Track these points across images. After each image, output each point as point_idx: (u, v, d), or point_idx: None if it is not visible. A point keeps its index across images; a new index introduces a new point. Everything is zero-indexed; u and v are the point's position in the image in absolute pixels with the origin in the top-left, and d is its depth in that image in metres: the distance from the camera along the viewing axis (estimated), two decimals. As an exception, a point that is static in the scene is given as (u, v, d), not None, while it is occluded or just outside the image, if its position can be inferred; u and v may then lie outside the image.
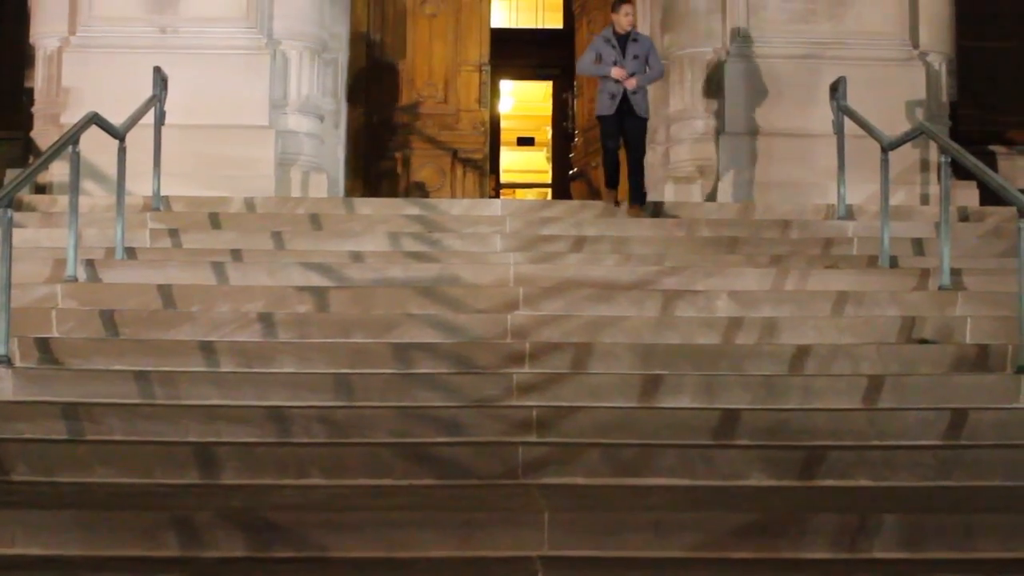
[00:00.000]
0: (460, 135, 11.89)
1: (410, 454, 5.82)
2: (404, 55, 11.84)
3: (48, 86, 10.36)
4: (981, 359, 6.89)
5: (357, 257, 8.25)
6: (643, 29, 11.54)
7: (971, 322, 7.31)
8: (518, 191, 22.50)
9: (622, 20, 9.63)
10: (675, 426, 6.10)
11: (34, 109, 10.55)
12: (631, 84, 9.52)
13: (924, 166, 10.20)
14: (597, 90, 9.80)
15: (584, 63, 9.88)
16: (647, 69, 9.67)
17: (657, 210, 9.63)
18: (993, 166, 10.42)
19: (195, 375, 6.54)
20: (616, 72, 9.49)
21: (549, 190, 19.54)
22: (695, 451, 5.87)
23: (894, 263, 8.29)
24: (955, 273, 7.86)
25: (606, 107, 9.66)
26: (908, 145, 9.10)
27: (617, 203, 9.64)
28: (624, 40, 9.62)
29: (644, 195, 9.58)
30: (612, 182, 9.85)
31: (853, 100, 9.26)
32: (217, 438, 5.98)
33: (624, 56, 9.54)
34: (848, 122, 9.20)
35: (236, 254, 8.20)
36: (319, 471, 5.71)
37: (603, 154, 9.93)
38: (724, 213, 9.61)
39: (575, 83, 13.34)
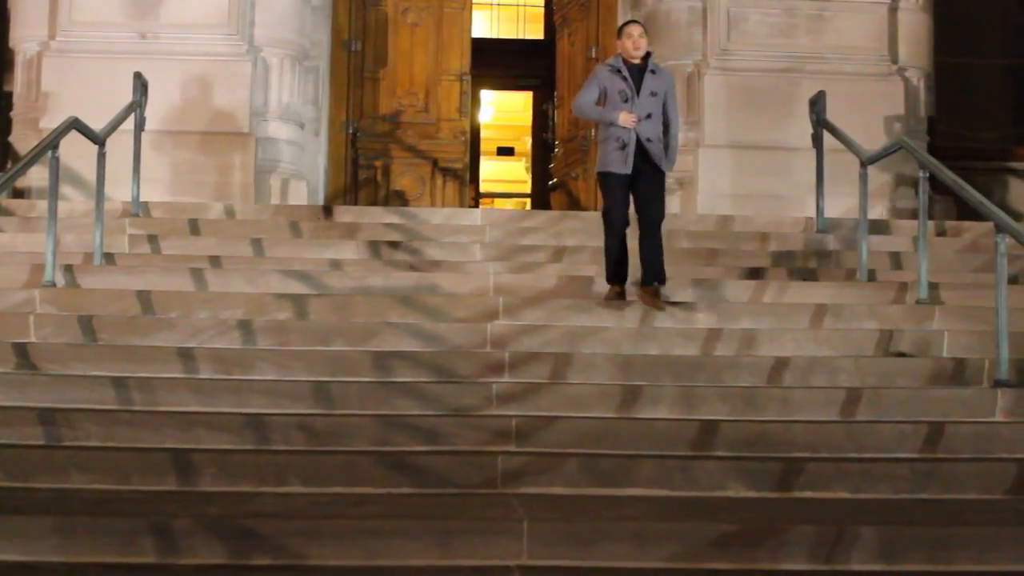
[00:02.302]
0: (440, 144, 11.90)
1: (389, 463, 5.81)
2: (385, 64, 11.85)
3: (28, 91, 10.31)
4: (958, 373, 6.93)
5: (336, 265, 8.24)
6: (624, 41, 11.60)
7: (948, 336, 7.35)
8: (497, 201, 22.51)
9: (629, 45, 7.55)
10: (654, 437, 6.12)
11: (13, 114, 10.50)
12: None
13: (902, 180, 10.26)
14: (599, 137, 7.77)
15: (583, 102, 7.63)
16: (665, 115, 7.59)
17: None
18: (971, 181, 10.33)
19: (173, 382, 6.52)
20: (624, 119, 7.40)
21: (529, 200, 19.55)
22: (673, 462, 5.88)
23: (872, 276, 8.33)
24: (932, 287, 7.91)
25: (615, 162, 7.46)
26: (887, 159, 9.14)
27: (620, 296, 7.52)
28: (638, 71, 7.55)
29: (663, 274, 7.47)
30: (617, 274, 7.55)
31: (832, 114, 9.31)
32: (195, 445, 5.95)
33: (638, 93, 7.50)
34: (827, 136, 9.26)
35: (215, 261, 8.17)
36: (298, 479, 5.70)
37: (606, 230, 7.51)
38: (703, 225, 9.63)
39: (555, 94, 13.36)
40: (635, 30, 7.66)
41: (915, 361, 7.09)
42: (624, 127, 7.41)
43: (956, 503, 5.71)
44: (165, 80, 9.58)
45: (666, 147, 7.56)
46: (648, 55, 7.63)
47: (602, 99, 7.58)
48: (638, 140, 7.43)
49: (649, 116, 7.47)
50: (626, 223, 7.45)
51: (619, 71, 7.56)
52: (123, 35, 10.07)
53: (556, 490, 5.72)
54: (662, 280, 7.44)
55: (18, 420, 6.05)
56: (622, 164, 7.43)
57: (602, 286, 7.81)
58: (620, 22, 11.51)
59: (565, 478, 5.77)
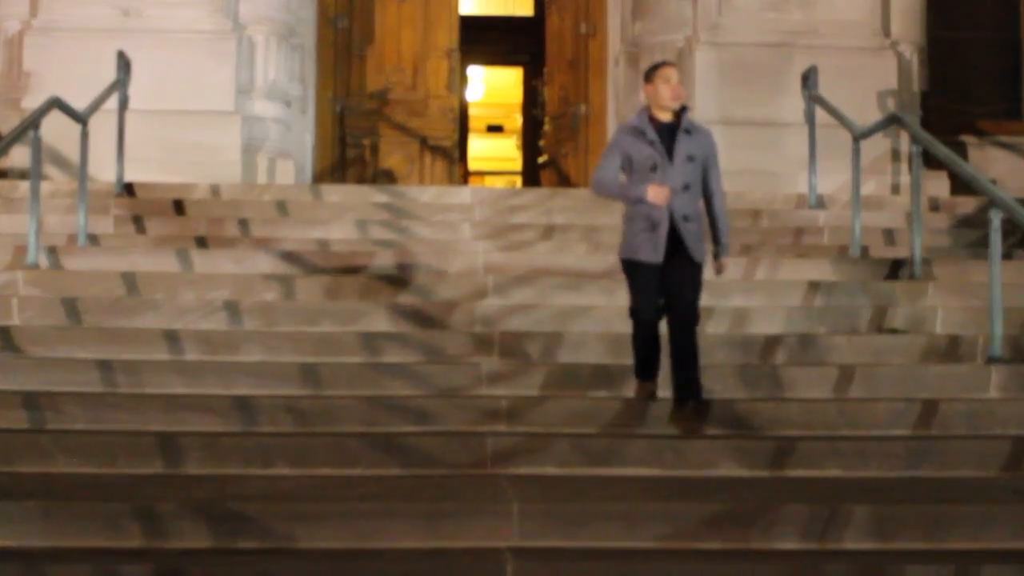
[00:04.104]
0: (429, 122, 11.80)
1: (378, 444, 5.76)
2: (372, 41, 11.74)
3: (9, 69, 10.19)
4: (952, 349, 6.90)
5: (324, 244, 8.18)
6: (613, 18, 11.47)
7: (942, 312, 7.32)
8: (487, 179, 22.44)
9: (663, 91, 6.02)
10: (645, 416, 6.07)
11: (-6, 93, 10.40)
12: (725, 269, 6.27)
13: (895, 156, 10.19)
14: (623, 216, 6.19)
15: (601, 177, 6.13)
16: (705, 186, 6.09)
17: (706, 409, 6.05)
18: (964, 156, 10.43)
19: (159, 363, 6.47)
20: (654, 195, 5.90)
21: (519, 178, 19.48)
22: (665, 441, 5.84)
23: (865, 253, 8.29)
24: (926, 263, 7.88)
25: (643, 247, 5.99)
26: (879, 135, 9.10)
27: (652, 397, 6.18)
28: (669, 132, 6.02)
29: (699, 388, 5.99)
30: (647, 369, 6.18)
31: (824, 89, 9.24)
32: (181, 427, 5.90)
33: (671, 158, 5.99)
34: (819, 111, 9.19)
35: (201, 241, 8.11)
36: (285, 461, 5.65)
37: (635, 327, 6.14)
38: (694, 202, 9.57)
39: (545, 70, 13.27)
40: (673, 75, 6.07)
41: (908, 338, 7.06)
42: (654, 204, 5.91)
43: (950, 480, 5.68)
44: (149, 58, 9.45)
45: (713, 228, 6.14)
46: (683, 110, 6.10)
47: (625, 169, 6.10)
48: (672, 219, 5.95)
49: (686, 188, 5.98)
50: (659, 316, 6.08)
51: (644, 133, 6.03)
52: (106, 13, 9.94)
53: (546, 470, 5.69)
54: (698, 396, 5.92)
55: (2, 404, 6.01)
56: (652, 250, 5.95)
57: (589, 263, 7.75)
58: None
59: (555, 458, 5.73)
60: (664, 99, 6.03)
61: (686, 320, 5.99)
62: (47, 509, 4.92)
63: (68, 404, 6.01)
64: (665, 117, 6.07)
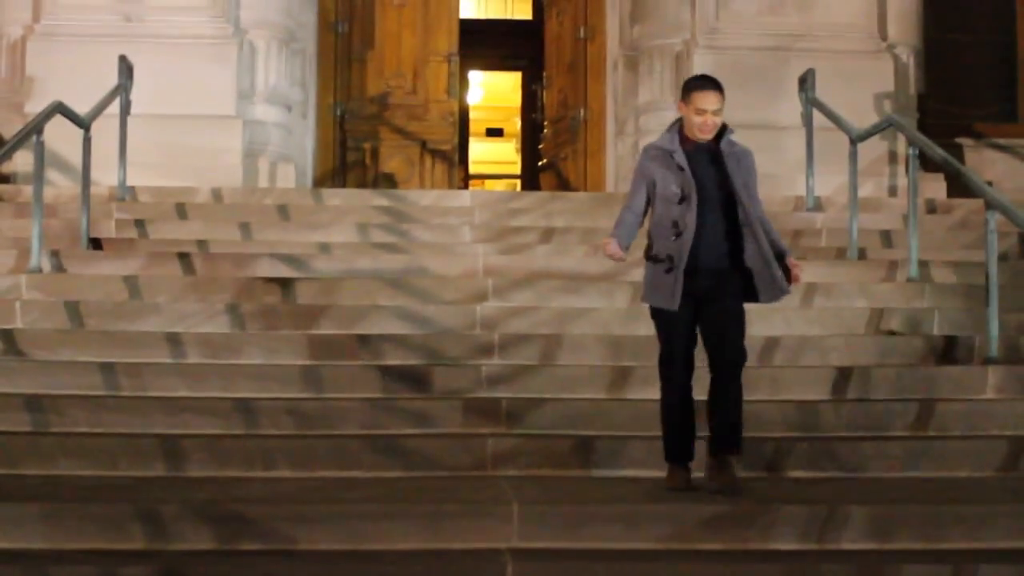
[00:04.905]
0: (429, 126, 11.83)
1: (378, 446, 5.80)
2: (373, 45, 11.77)
3: (11, 74, 10.23)
4: (949, 350, 6.93)
5: (325, 248, 8.21)
6: (612, 22, 11.49)
7: (939, 314, 7.34)
8: (487, 182, 22.46)
9: (694, 122, 5.25)
10: (644, 417, 6.08)
11: (-3, 98, 10.44)
12: (799, 269, 5.38)
13: (892, 158, 10.23)
14: (646, 253, 5.40)
15: (621, 221, 5.42)
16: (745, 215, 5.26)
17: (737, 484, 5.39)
18: (961, 158, 10.45)
19: (161, 367, 6.50)
20: (609, 250, 5.37)
21: (518, 181, 19.50)
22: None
23: (862, 255, 8.31)
24: (923, 265, 7.90)
25: (660, 291, 5.27)
26: (876, 137, 9.12)
27: (688, 480, 5.36)
28: (706, 156, 5.28)
29: (739, 439, 5.33)
30: (681, 448, 5.38)
31: (822, 92, 9.27)
32: (183, 430, 5.94)
33: (704, 187, 5.23)
34: (817, 114, 9.22)
35: (203, 245, 8.14)
36: (287, 463, 5.68)
37: (662, 384, 5.41)
38: (693, 205, 9.59)
39: (544, 74, 13.30)
40: (712, 103, 5.25)
41: (906, 339, 7.09)
42: (674, 239, 5.15)
43: (947, 481, 5.71)
44: (151, 63, 9.49)
45: (780, 246, 5.37)
46: (724, 130, 5.33)
47: (650, 199, 5.34)
48: (697, 256, 5.22)
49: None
50: (690, 369, 5.35)
51: (671, 157, 5.26)
52: (108, 18, 9.99)
53: (546, 472, 5.72)
54: (737, 447, 5.31)
55: (5, 406, 6.03)
56: (669, 296, 5.21)
57: (588, 266, 7.78)
58: (608, 2, 11.53)
59: (555, 460, 5.76)
60: (694, 130, 5.26)
61: (726, 358, 5.27)
62: (50, 511, 4.94)
63: (71, 407, 6.05)
64: (700, 137, 5.28)
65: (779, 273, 5.26)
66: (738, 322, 5.31)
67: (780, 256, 5.32)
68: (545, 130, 13.37)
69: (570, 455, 5.79)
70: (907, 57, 10.57)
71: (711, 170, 5.26)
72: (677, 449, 5.38)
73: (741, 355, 5.30)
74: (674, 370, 5.34)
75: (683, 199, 5.21)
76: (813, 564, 4.82)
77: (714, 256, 5.24)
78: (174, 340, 6.71)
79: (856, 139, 8.61)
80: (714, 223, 5.24)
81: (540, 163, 13.57)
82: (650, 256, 5.35)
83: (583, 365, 6.67)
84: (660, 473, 5.65)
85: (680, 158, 5.26)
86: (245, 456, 5.70)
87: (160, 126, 9.56)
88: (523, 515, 4.99)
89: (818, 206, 9.34)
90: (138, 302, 7.27)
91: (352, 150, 11.65)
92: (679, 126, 5.34)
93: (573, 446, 5.83)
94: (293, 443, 5.82)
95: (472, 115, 19.18)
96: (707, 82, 5.36)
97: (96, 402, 6.11)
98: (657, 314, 5.34)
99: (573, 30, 12.06)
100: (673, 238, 5.21)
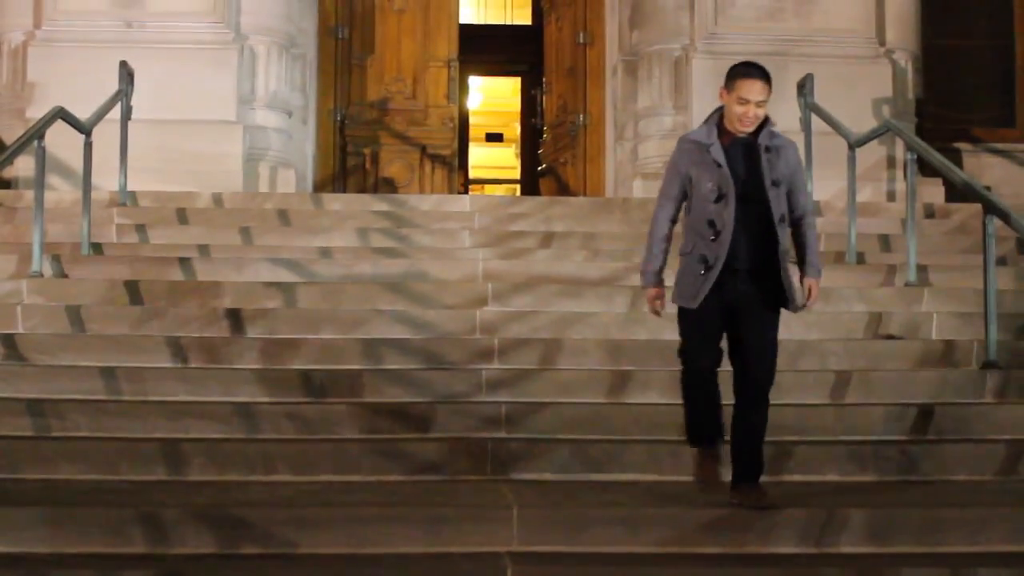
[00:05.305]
0: (429, 131, 11.85)
1: (378, 450, 5.81)
2: (373, 50, 11.80)
3: (13, 80, 10.25)
4: (947, 355, 6.95)
5: (326, 253, 8.22)
6: (611, 28, 11.51)
7: (937, 318, 7.36)
8: (487, 187, 22.48)
9: (736, 112, 4.93)
10: (644, 422, 6.12)
11: (-1, 104, 10.46)
12: (816, 292, 5.09)
13: (890, 163, 10.25)
14: (681, 251, 5.14)
15: (655, 218, 5.15)
16: (794, 208, 5.04)
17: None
18: (959, 163, 10.46)
19: (162, 371, 6.51)
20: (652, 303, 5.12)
21: (518, 186, 19.52)
22: (663, 447, 5.88)
23: (861, 259, 8.33)
24: (921, 269, 7.92)
25: (686, 288, 5.01)
26: (875, 142, 9.14)
27: (716, 460, 5.19)
28: (745, 149, 4.96)
29: (761, 466, 5.10)
30: (707, 432, 5.17)
31: (820, 97, 9.29)
32: (184, 434, 5.95)
33: (742, 184, 4.93)
34: (815, 119, 9.24)
35: (204, 249, 8.15)
36: (287, 467, 5.70)
37: (683, 377, 5.18)
38: (692, 209, 9.61)
39: (543, 79, 13.33)
40: (756, 92, 4.89)
41: (904, 343, 7.10)
42: (712, 240, 4.88)
43: (946, 485, 5.73)
44: (151, 69, 9.51)
45: (799, 249, 5.10)
46: (765, 122, 4.98)
47: (686, 195, 5.06)
48: (736, 257, 4.92)
49: (781, 219, 4.99)
50: (714, 363, 5.09)
51: (706, 150, 4.94)
52: (109, 24, 10.00)
53: (546, 476, 5.73)
54: (758, 475, 5.07)
55: (6, 411, 6.05)
56: (693, 296, 4.94)
57: (587, 271, 7.80)
58: (608, 8, 11.57)
59: (555, 464, 5.78)
60: (734, 121, 4.94)
61: (754, 379, 4.96)
62: (51, 515, 4.96)
63: (72, 411, 6.06)
64: (740, 130, 4.96)
65: (795, 284, 4.99)
66: (769, 338, 5.00)
67: (803, 261, 5.09)
68: (544, 135, 13.40)
69: (570, 459, 5.80)
70: (905, 62, 10.60)
71: (750, 166, 4.92)
72: (697, 433, 5.11)
73: (768, 375, 5.00)
74: (694, 365, 5.09)
75: (720, 197, 4.89)
76: (812, 568, 4.84)
77: (752, 258, 4.93)
78: (175, 345, 6.73)
79: (854, 144, 8.63)
80: (753, 223, 4.91)
81: (540, 168, 13.60)
82: (685, 252, 5.04)
83: (583, 369, 6.68)
84: (660, 476, 5.69)
85: (717, 153, 4.92)
86: (245, 460, 5.72)
87: (161, 131, 9.58)
88: (523, 519, 5.00)
89: (817, 211, 9.33)
90: (139, 307, 7.28)
91: (352, 155, 11.67)
92: (718, 117, 5.01)
93: (573, 450, 5.84)
94: (293, 447, 5.84)
95: (472, 120, 19.20)
96: (754, 69, 4.97)
97: (97, 406, 6.12)
98: (683, 315, 5.05)
99: (572, 35, 12.09)
100: (711, 238, 4.90)
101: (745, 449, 5.05)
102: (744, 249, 4.94)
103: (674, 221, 5.16)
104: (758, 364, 4.98)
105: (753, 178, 4.92)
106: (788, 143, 5.05)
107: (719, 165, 4.91)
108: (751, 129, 4.94)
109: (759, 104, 4.91)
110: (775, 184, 4.93)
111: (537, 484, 5.61)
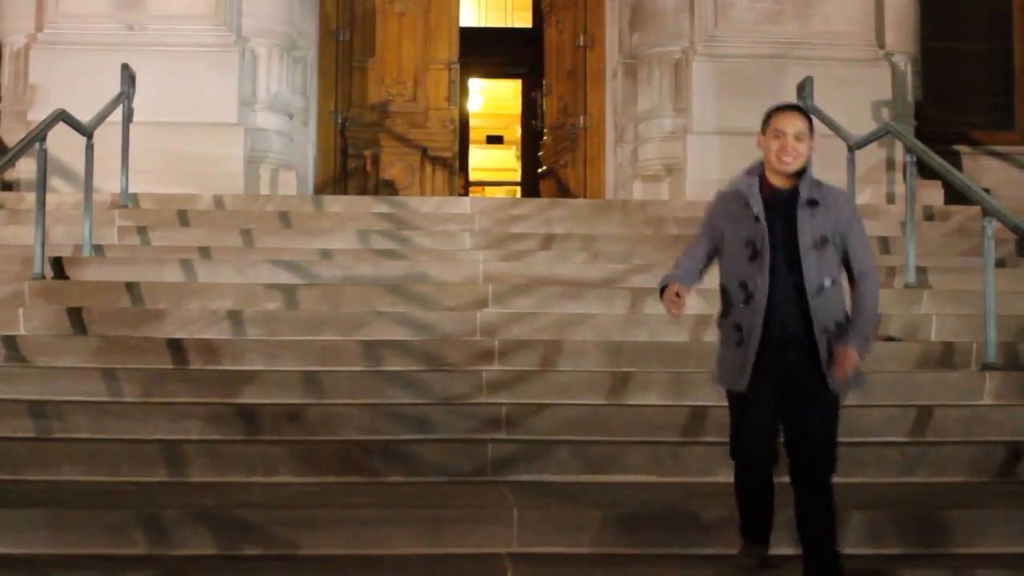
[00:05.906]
0: (429, 133, 11.87)
1: (379, 451, 5.82)
2: (373, 53, 11.82)
3: (15, 83, 10.28)
4: (946, 356, 6.96)
5: (326, 255, 8.24)
6: (611, 30, 11.52)
7: (936, 320, 7.37)
8: (487, 189, 22.50)
9: (772, 148, 4.40)
10: (643, 423, 6.13)
11: (1, 106, 10.46)
12: (849, 364, 4.34)
13: (890, 165, 10.26)
14: (717, 320, 4.66)
15: (678, 263, 4.70)
16: (851, 269, 4.45)
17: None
18: (958, 166, 10.49)
19: (163, 373, 6.52)
20: (671, 308, 4.52)
21: (518, 188, 19.54)
22: (663, 448, 5.90)
23: (860, 261, 8.32)
24: (920, 271, 7.93)
25: (727, 368, 4.50)
26: (874, 144, 9.16)
27: (764, 561, 4.69)
28: (787, 202, 4.40)
29: (836, 559, 4.46)
30: (754, 523, 4.67)
31: (820, 100, 9.30)
32: (185, 436, 5.96)
33: (782, 242, 4.38)
34: (815, 122, 9.23)
35: (205, 251, 8.16)
36: (288, 469, 5.71)
37: (736, 470, 4.63)
38: (692, 211, 9.60)
39: (544, 82, 13.35)
40: (791, 124, 4.39)
41: (903, 345, 7.11)
42: (743, 305, 4.39)
43: (945, 486, 5.74)
44: (153, 71, 9.54)
45: (853, 311, 4.43)
46: (803, 172, 4.41)
47: (715, 252, 4.58)
48: (775, 324, 4.38)
49: (821, 289, 4.36)
50: (768, 463, 4.53)
51: (745, 205, 4.41)
52: (110, 27, 10.02)
53: (546, 477, 5.74)
54: (837, 572, 4.42)
55: (8, 413, 6.06)
56: (736, 375, 4.41)
57: (588, 273, 7.81)
58: (608, 11, 11.60)
59: (555, 465, 5.79)
60: (772, 160, 4.40)
61: (807, 461, 4.37)
62: (53, 517, 4.98)
63: (73, 413, 6.07)
64: (781, 181, 4.41)
65: (826, 357, 4.36)
66: (824, 415, 4.37)
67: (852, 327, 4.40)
68: (545, 137, 13.42)
69: (570, 460, 5.82)
70: (905, 65, 10.61)
71: (787, 222, 4.37)
72: (748, 527, 4.67)
73: (825, 459, 4.36)
74: (746, 456, 4.51)
75: (755, 255, 4.36)
76: (811, 568, 4.83)
77: (794, 325, 4.35)
78: (176, 346, 6.73)
79: (854, 146, 8.65)
80: (793, 285, 4.36)
81: (540, 170, 13.62)
82: (720, 319, 4.55)
83: (583, 371, 6.69)
84: (660, 478, 5.70)
85: (757, 205, 4.38)
86: (246, 461, 5.73)
87: (162, 134, 9.60)
88: (523, 520, 5.02)
89: (817, 213, 9.35)
90: (140, 309, 7.29)
91: (353, 157, 11.70)
92: (760, 169, 4.48)
93: (573, 451, 5.86)
94: (294, 448, 5.85)
95: (472, 122, 19.23)
96: (786, 106, 4.57)
97: (99, 408, 6.13)
98: (729, 399, 4.53)
99: (573, 38, 12.11)
100: (743, 303, 4.40)
101: (810, 543, 4.41)
102: (789, 316, 4.37)
103: (701, 270, 4.67)
104: (810, 452, 4.36)
105: (792, 237, 4.37)
106: (837, 192, 4.49)
107: (757, 219, 4.37)
108: (793, 165, 4.37)
109: (797, 137, 4.38)
110: (819, 244, 4.35)
111: (537, 485, 5.62)
